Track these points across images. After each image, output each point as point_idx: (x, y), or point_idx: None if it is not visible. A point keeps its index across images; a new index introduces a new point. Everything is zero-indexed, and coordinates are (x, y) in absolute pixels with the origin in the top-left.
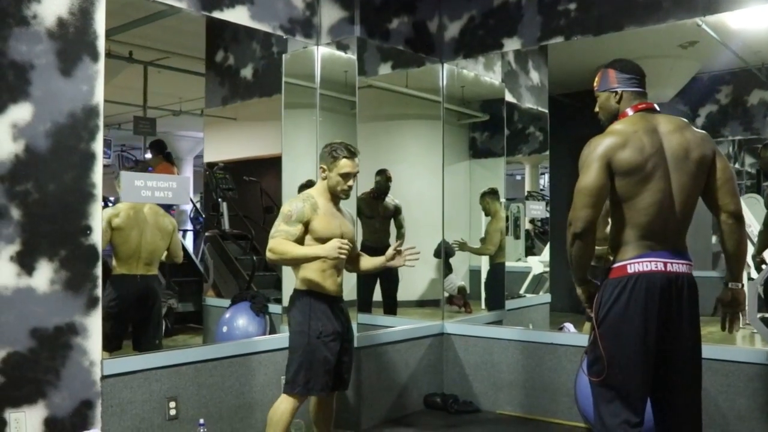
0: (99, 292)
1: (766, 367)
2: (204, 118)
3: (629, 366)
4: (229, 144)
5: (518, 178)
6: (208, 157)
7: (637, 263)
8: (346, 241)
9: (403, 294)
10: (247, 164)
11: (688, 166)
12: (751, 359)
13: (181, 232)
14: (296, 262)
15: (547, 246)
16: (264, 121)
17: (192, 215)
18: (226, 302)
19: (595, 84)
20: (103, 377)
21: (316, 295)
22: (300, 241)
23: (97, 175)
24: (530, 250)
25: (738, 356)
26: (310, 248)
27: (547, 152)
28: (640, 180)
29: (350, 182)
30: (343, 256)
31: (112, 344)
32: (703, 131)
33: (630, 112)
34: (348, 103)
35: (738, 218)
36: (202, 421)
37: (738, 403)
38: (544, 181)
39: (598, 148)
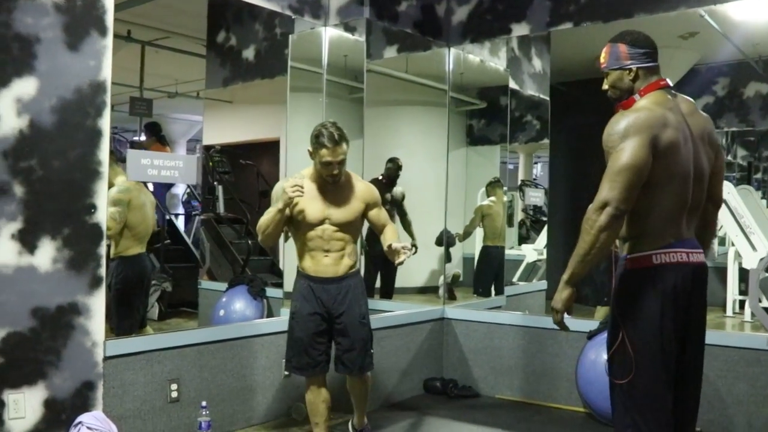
0: (103, 271)
1: (765, 352)
2: (204, 100)
3: (656, 364)
4: (227, 127)
5: (511, 167)
6: (207, 140)
7: (663, 254)
8: (297, 183)
9: (405, 281)
10: (244, 148)
11: (706, 150)
12: (751, 345)
13: (173, 216)
14: (272, 227)
15: (541, 234)
16: (262, 104)
17: (184, 199)
18: (223, 286)
19: (602, 60)
20: (105, 358)
21: (300, 275)
22: (287, 221)
23: (104, 153)
24: (524, 239)
25: (738, 342)
26: (274, 207)
27: (544, 140)
28: (673, 163)
29: (334, 171)
30: (296, 194)
31: (133, 326)
32: (706, 114)
33: (653, 88)
34: (349, 87)
35: (719, 208)
36: (204, 403)
37: (737, 387)
38: (537, 170)
39: (637, 122)
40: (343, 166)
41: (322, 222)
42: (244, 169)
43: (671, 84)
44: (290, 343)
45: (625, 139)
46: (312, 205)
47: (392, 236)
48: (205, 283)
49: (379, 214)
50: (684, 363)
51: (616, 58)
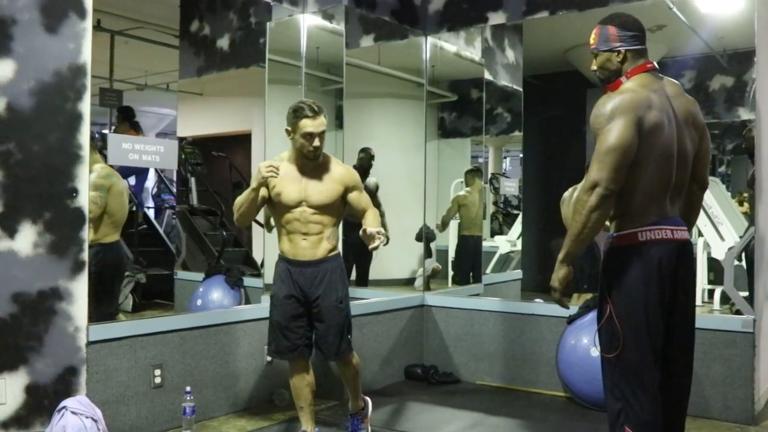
0: (85, 256)
1: (740, 334)
2: (178, 92)
3: (643, 338)
4: (198, 119)
5: (480, 160)
6: (180, 132)
7: (648, 231)
8: (273, 164)
9: (379, 273)
10: (215, 140)
11: (690, 132)
12: (727, 327)
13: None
14: (246, 206)
15: (514, 225)
16: (232, 97)
17: (154, 192)
18: (199, 276)
19: (591, 41)
20: (89, 343)
21: (280, 258)
22: (266, 202)
23: (84, 137)
24: (496, 233)
25: (714, 324)
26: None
27: (515, 133)
28: (657, 143)
29: (315, 142)
30: (270, 174)
31: (112, 313)
32: (691, 97)
33: (639, 71)
34: (321, 79)
35: (705, 189)
36: (188, 389)
37: (713, 369)
38: (506, 164)
39: (622, 104)
40: (323, 140)
41: (299, 204)
42: (215, 161)
43: (657, 67)
44: (270, 327)
45: (611, 120)
46: (289, 187)
47: (373, 221)
48: (181, 274)
49: (359, 197)
50: (673, 340)
51: (605, 40)
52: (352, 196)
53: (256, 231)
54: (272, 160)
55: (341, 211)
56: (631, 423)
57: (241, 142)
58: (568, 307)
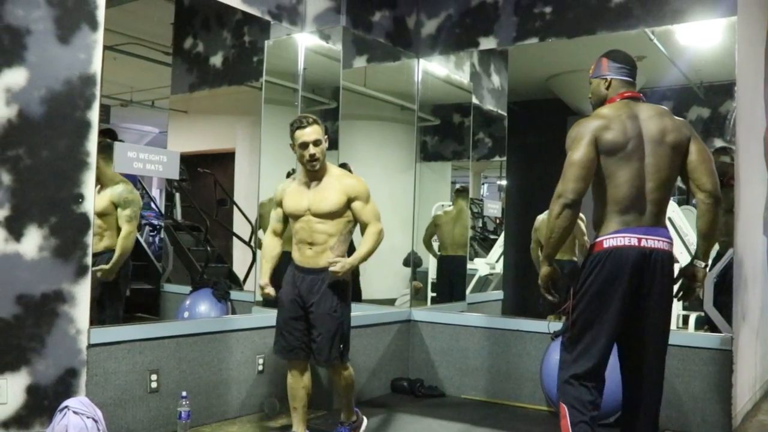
0: (89, 260)
1: (719, 351)
2: (164, 109)
3: (594, 327)
4: (182, 136)
5: (457, 186)
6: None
7: (612, 239)
8: (267, 292)
9: (364, 293)
10: (199, 158)
11: (663, 148)
12: (706, 344)
13: None
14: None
15: (493, 248)
16: (216, 115)
17: None
18: (186, 289)
19: (591, 71)
20: (89, 346)
21: (290, 263)
22: (286, 219)
23: (92, 144)
24: (471, 256)
25: (693, 341)
26: (264, 269)
27: (496, 158)
28: (620, 159)
29: (311, 151)
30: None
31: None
32: (682, 119)
33: (616, 98)
34: (307, 99)
35: (714, 198)
36: (184, 393)
37: (693, 385)
38: (484, 190)
39: (586, 127)
40: (319, 147)
41: (304, 213)
42: (200, 178)
43: (639, 96)
44: (276, 327)
45: (574, 141)
46: (295, 198)
47: (367, 240)
48: (168, 287)
49: (361, 208)
50: (637, 348)
51: (599, 69)
52: (355, 206)
53: (237, 246)
54: (287, 183)
55: (350, 221)
56: (564, 399)
57: (225, 160)
58: (556, 299)
